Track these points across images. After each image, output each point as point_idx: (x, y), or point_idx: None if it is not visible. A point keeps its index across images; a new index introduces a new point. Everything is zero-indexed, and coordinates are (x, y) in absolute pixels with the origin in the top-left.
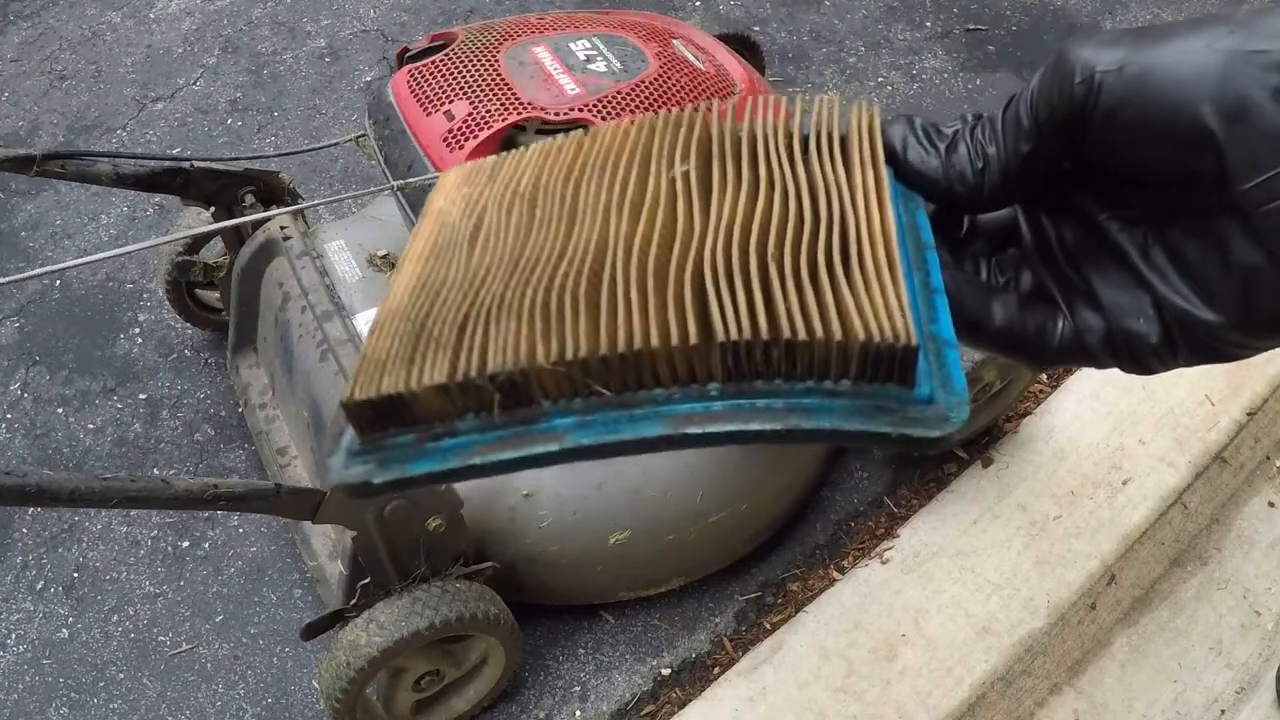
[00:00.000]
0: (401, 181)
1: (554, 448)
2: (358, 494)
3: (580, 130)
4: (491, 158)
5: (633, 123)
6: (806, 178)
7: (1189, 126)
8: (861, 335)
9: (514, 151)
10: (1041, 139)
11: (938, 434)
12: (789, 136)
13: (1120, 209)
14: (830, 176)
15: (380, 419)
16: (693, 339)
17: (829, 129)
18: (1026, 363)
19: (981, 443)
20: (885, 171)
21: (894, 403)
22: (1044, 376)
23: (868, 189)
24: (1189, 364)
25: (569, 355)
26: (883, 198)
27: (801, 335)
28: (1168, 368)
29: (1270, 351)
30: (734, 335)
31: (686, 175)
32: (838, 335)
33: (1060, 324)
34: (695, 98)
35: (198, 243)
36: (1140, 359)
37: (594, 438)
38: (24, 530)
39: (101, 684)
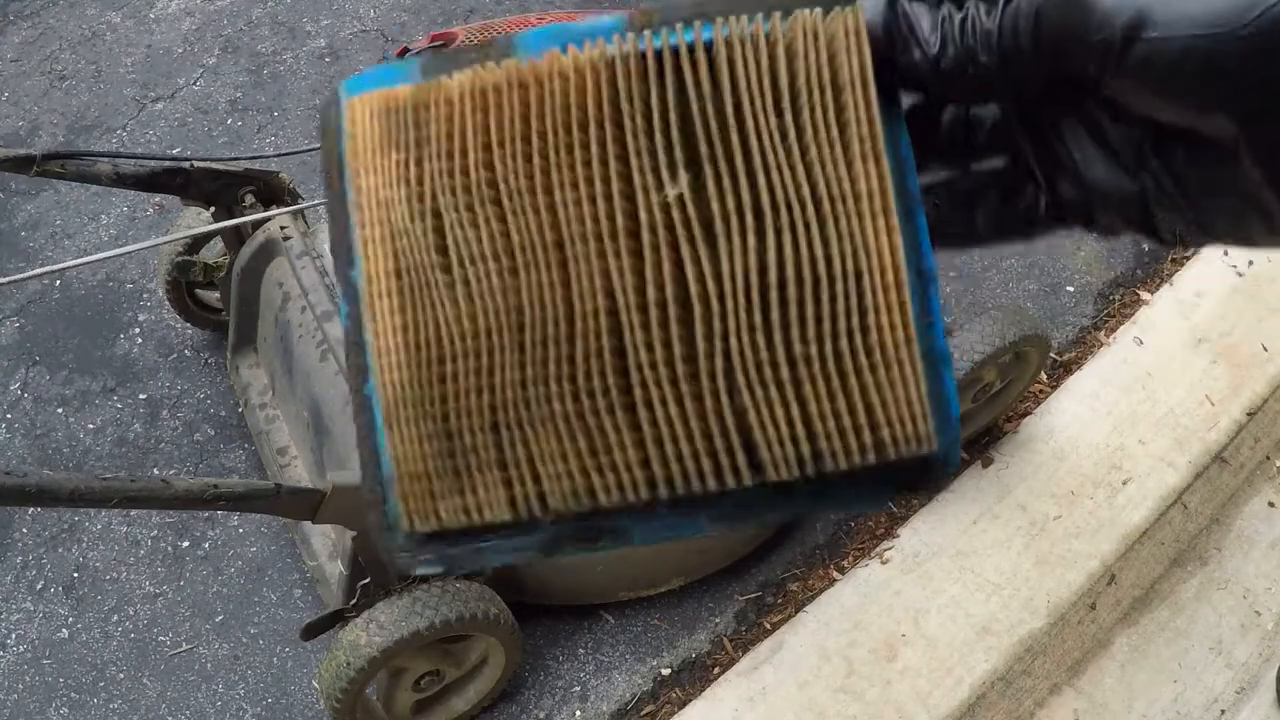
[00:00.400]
0: None
1: (619, 544)
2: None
3: (513, 62)
4: (407, 94)
5: (587, 62)
6: (809, 186)
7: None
8: (891, 453)
9: (432, 88)
10: (1041, 66)
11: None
12: (777, 99)
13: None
14: (832, 178)
15: (444, 539)
16: (746, 480)
17: (819, 80)
18: (1016, 243)
19: (981, 443)
20: (884, 150)
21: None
22: (1044, 376)
23: (873, 200)
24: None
25: (630, 498)
26: (889, 212)
27: (842, 465)
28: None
29: (1270, 351)
30: (784, 476)
31: (681, 201)
32: (871, 459)
33: (1042, 201)
34: None
35: (198, 243)
36: (1108, 224)
37: (652, 537)
38: (24, 530)
39: (101, 684)
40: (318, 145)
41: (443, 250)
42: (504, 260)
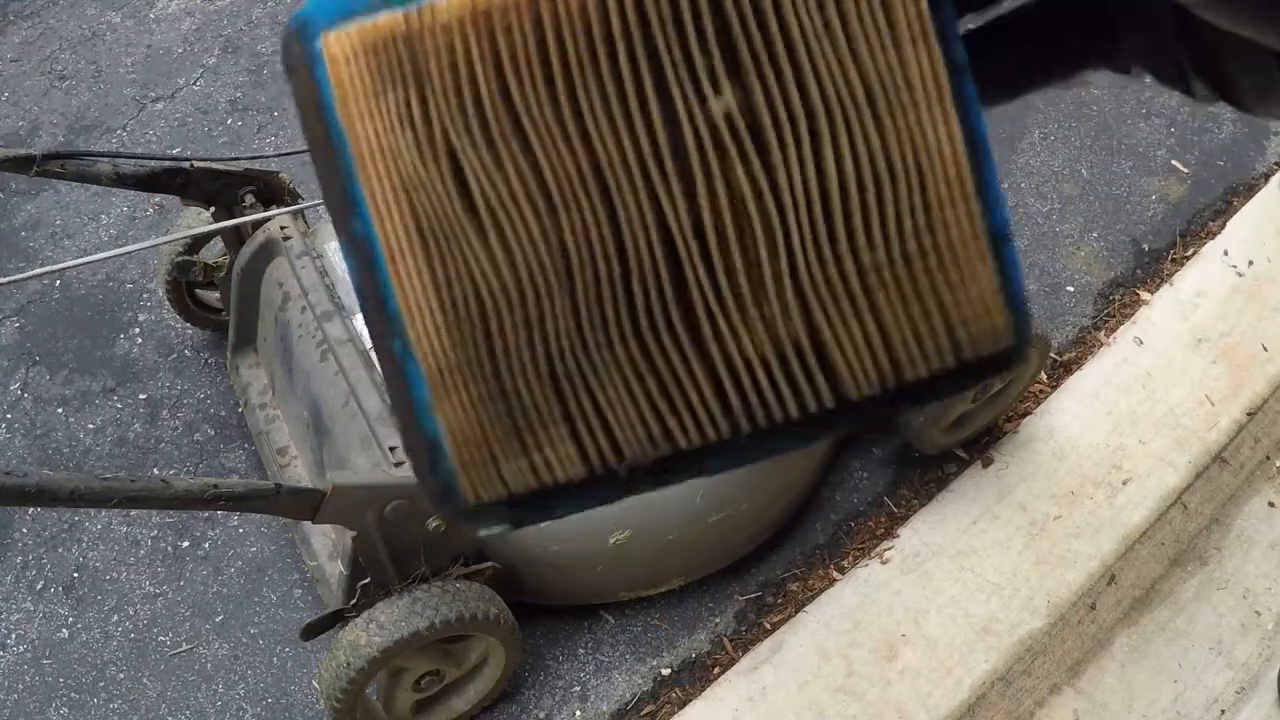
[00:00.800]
0: None
1: (696, 477)
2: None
3: None
4: (391, 24)
5: None
6: (860, 80)
7: None
8: (969, 353)
9: (421, 15)
10: None
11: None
12: None
13: None
14: (883, 68)
15: (513, 505)
16: (828, 402)
17: None
18: (1051, 86)
19: (981, 443)
20: (931, 30)
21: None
22: (1044, 376)
23: (927, 87)
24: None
25: (710, 435)
26: (943, 97)
27: (921, 373)
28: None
29: (1270, 351)
30: (865, 393)
31: (728, 114)
32: (950, 362)
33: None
34: None
35: (198, 243)
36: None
37: (730, 465)
38: (24, 530)
39: (101, 684)
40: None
41: (466, 196)
42: (539, 200)
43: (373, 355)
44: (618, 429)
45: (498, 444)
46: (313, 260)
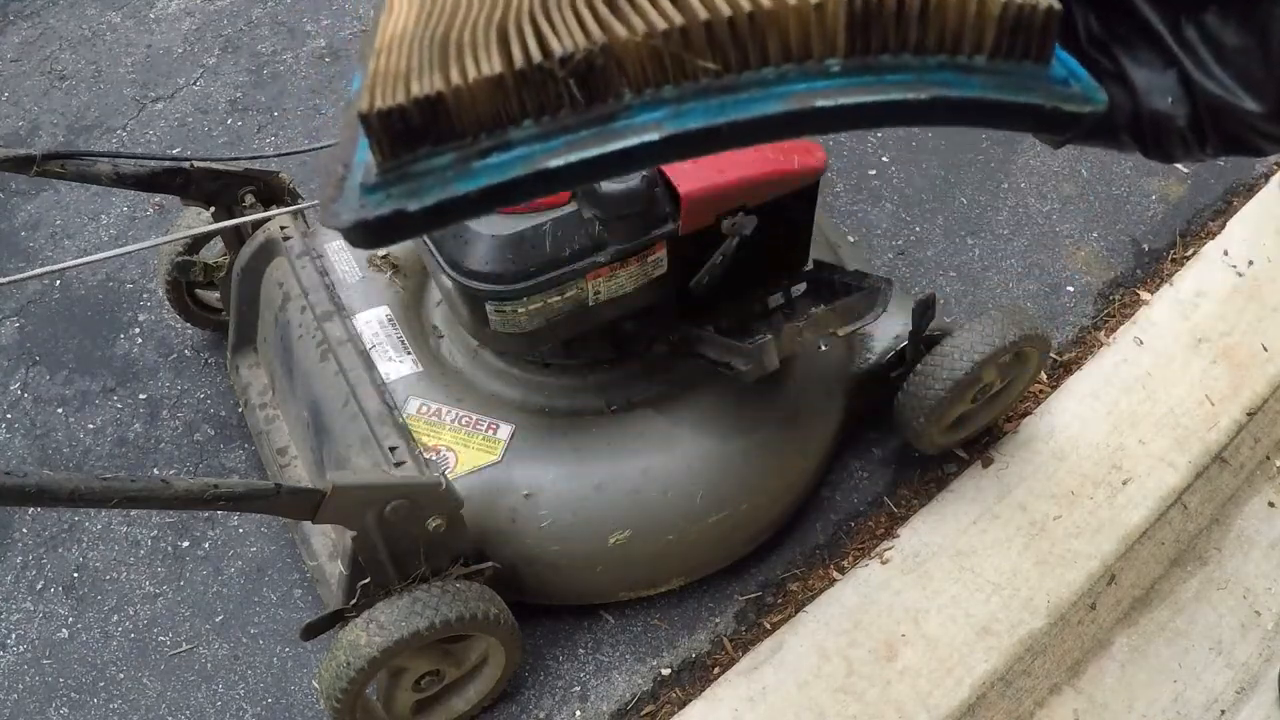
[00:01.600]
0: None
1: (652, 137)
2: (387, 230)
3: None
4: None
5: None
6: None
7: None
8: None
9: None
10: None
11: (1088, 109)
12: None
13: None
14: None
15: (410, 135)
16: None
17: None
18: (1051, 137)
19: (981, 443)
20: None
21: (1031, 80)
22: (1044, 376)
23: None
24: (1213, 154)
25: (661, 25)
26: None
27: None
28: (1190, 157)
29: (1270, 351)
30: None
31: None
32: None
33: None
34: None
35: (198, 243)
36: (1164, 143)
37: (700, 120)
38: (24, 530)
39: (101, 684)
40: (318, 145)
41: None
42: None
43: (373, 355)
44: (558, 35)
45: (416, 70)
46: (313, 260)
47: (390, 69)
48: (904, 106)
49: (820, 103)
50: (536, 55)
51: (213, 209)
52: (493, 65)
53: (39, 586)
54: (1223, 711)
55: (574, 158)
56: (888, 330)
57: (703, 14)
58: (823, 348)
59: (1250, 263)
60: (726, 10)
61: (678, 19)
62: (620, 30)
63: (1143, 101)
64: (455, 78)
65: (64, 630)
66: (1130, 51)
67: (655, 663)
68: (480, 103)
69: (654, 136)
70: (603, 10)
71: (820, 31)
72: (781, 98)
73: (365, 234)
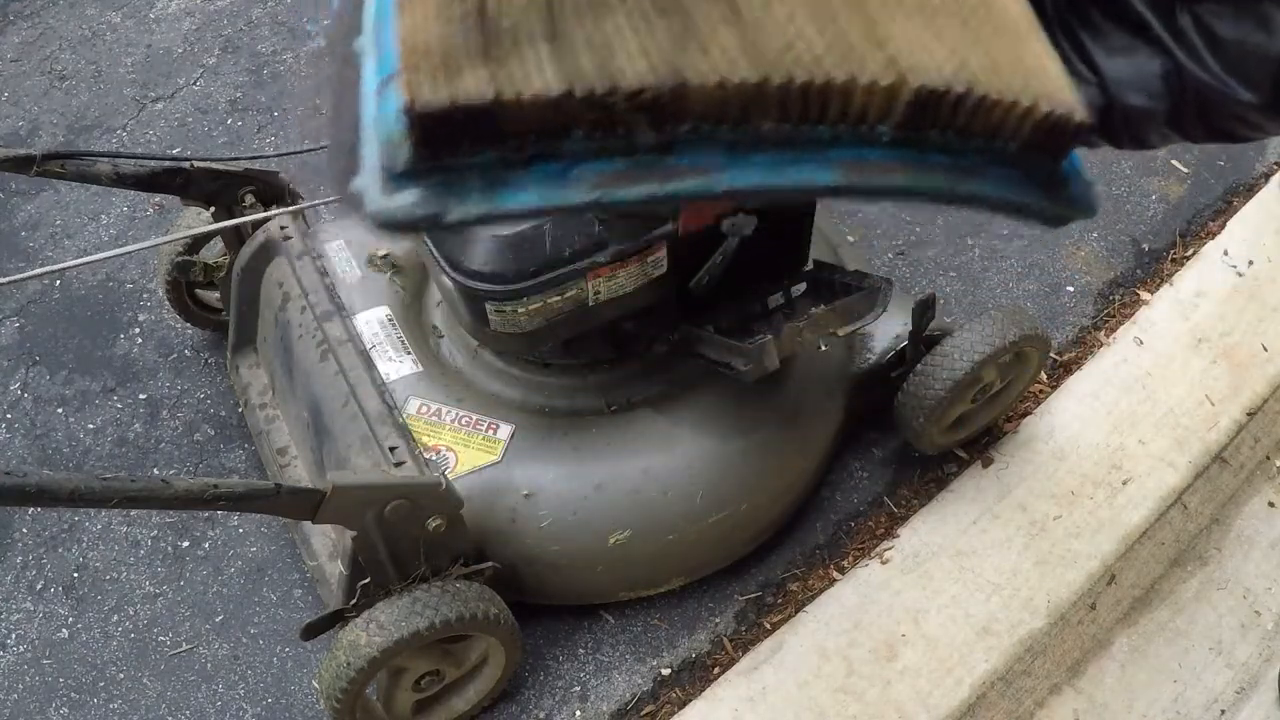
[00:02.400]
0: None
1: (703, 186)
2: (414, 228)
3: None
4: None
5: None
6: None
7: None
8: (1045, 106)
9: None
10: None
11: (1080, 215)
12: None
13: None
14: None
15: (454, 137)
16: (887, 79)
17: None
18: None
19: (981, 443)
20: None
21: (1044, 177)
22: (1044, 376)
23: None
24: (1196, 141)
25: (734, 79)
26: None
27: (1007, 98)
28: (1167, 144)
29: (1270, 351)
30: (936, 85)
31: None
32: (1026, 102)
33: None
34: None
35: (198, 243)
36: (1142, 135)
37: (753, 181)
38: (24, 530)
39: (101, 684)
40: (318, 145)
41: None
42: None
43: (373, 355)
44: (621, 59)
45: (461, 54)
46: (313, 260)
47: (426, 43)
48: (926, 195)
49: (864, 180)
50: (604, 86)
51: (213, 209)
52: (547, 81)
53: (39, 586)
54: (1223, 711)
55: (633, 193)
56: (888, 330)
57: (779, 77)
58: (823, 348)
59: (1250, 263)
60: (803, 76)
61: (749, 75)
62: (693, 74)
63: (1116, 96)
64: (508, 90)
65: (64, 630)
66: (1099, 40)
67: (655, 663)
68: (532, 117)
69: (716, 188)
70: (665, 32)
71: (882, 104)
72: (834, 165)
73: (391, 228)
